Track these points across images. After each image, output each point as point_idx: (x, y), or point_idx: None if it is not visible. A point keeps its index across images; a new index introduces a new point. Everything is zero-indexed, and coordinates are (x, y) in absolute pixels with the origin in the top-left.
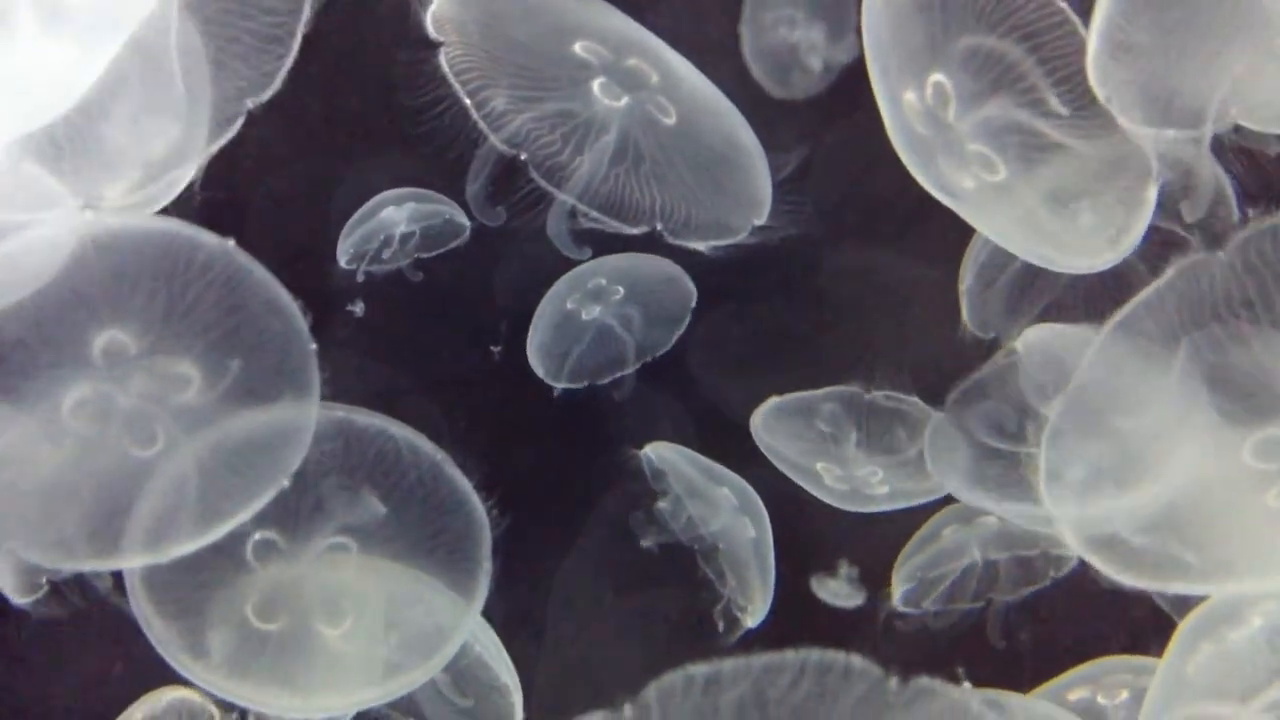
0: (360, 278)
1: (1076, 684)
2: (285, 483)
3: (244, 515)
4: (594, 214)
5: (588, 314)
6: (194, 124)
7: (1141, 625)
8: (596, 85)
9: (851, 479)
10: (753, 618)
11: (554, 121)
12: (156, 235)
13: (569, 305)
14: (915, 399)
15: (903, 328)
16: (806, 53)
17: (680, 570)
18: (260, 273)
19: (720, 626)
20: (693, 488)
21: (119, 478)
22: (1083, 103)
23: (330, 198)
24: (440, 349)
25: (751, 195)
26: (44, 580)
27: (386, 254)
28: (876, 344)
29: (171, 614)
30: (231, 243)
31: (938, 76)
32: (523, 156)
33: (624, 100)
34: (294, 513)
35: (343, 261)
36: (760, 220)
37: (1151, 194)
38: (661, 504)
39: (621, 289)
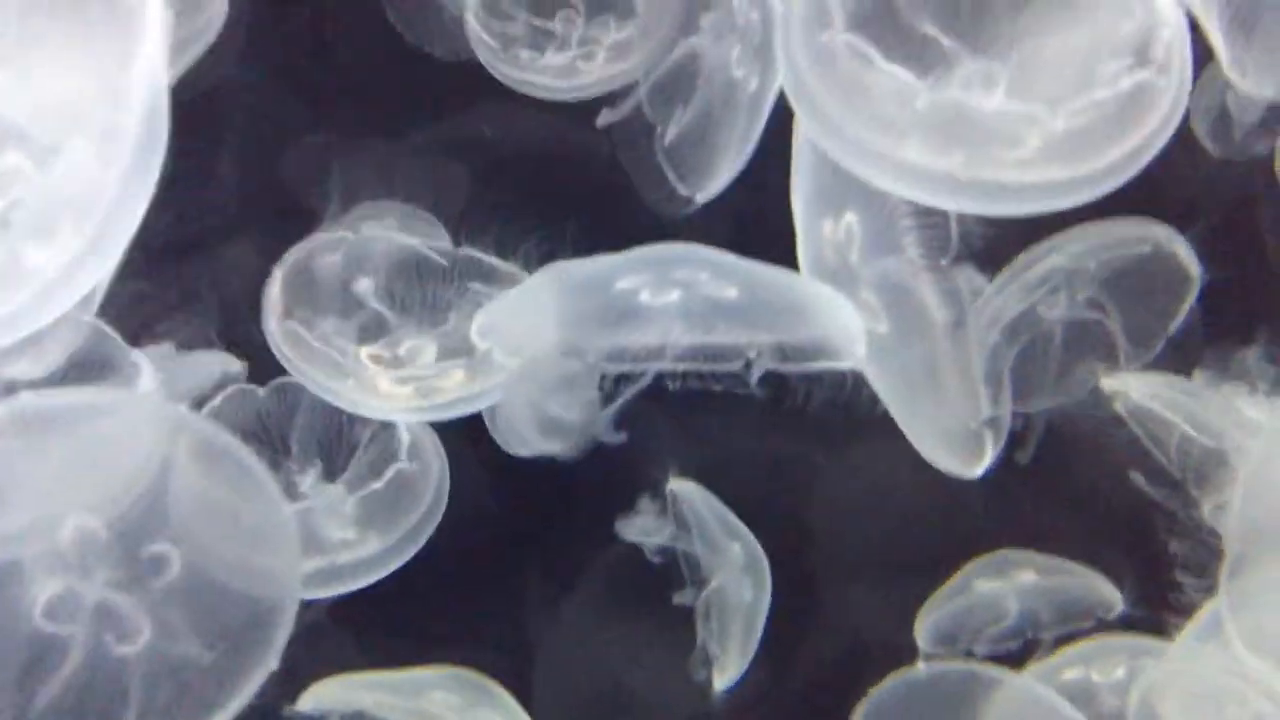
0: None
1: (1072, 662)
2: None
3: None
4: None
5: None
6: None
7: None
8: (645, 294)
9: None
10: (721, 681)
11: None
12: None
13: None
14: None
15: None
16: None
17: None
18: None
19: (697, 673)
20: (707, 535)
21: None
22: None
23: None
24: None
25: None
26: None
27: None
28: None
29: None
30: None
31: (851, 217)
32: None
33: (676, 295)
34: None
35: None
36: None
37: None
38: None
39: None
